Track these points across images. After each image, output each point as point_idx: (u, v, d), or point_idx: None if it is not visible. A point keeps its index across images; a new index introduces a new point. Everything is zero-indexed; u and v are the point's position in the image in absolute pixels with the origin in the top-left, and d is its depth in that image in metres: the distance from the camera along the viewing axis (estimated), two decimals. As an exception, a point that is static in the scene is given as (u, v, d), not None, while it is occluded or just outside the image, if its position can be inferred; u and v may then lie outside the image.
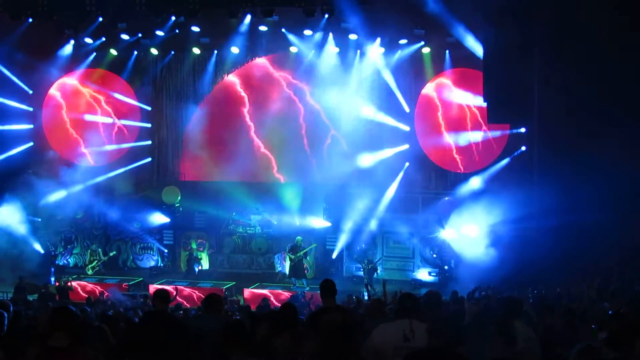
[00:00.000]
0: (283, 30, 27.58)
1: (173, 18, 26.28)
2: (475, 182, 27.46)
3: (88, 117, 31.02)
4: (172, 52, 30.24)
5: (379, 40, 27.57)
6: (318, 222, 27.71)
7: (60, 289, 23.17)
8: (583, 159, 21.12)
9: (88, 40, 28.46)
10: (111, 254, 29.08)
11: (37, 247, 28.27)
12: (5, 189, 27.63)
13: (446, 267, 26.30)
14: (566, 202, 21.12)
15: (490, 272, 23.59)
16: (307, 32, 27.34)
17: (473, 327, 9.67)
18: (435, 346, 7.36)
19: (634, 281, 19.39)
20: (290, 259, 26.17)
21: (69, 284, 24.28)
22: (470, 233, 25.11)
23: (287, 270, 27.19)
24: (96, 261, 28.46)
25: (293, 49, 28.87)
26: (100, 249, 29.07)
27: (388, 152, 28.58)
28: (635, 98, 20.87)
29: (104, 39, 28.46)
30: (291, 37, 27.96)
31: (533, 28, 22.36)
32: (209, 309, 10.26)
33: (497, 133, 27.57)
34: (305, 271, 26.30)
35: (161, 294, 10.58)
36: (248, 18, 25.88)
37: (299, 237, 26.56)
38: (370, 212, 27.78)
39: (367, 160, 28.52)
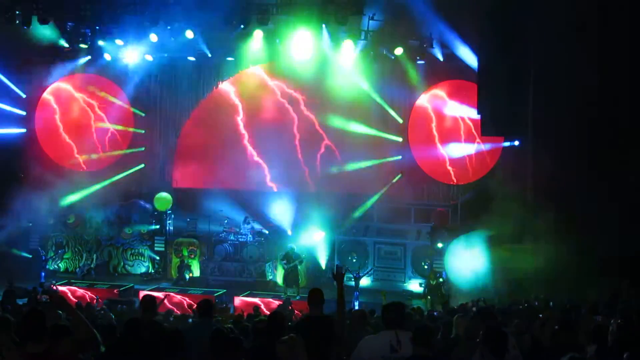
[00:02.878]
0: (278, 39, 27.56)
1: (168, 25, 26.29)
2: (467, 194, 27.46)
3: (81, 123, 30.97)
4: (167, 59, 30.15)
5: (373, 50, 27.64)
6: (310, 231, 27.65)
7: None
8: (578, 172, 21.15)
9: (82, 45, 28.38)
10: (93, 264, 28.96)
11: (28, 251, 28.35)
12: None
13: (441, 280, 26.22)
14: (561, 214, 21.12)
15: (483, 284, 23.59)
16: (303, 41, 27.35)
17: (461, 339, 9.68)
18: (419, 355, 7.36)
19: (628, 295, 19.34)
20: (284, 267, 26.13)
21: (52, 287, 24.16)
22: (462, 244, 25.05)
23: (278, 279, 27.19)
24: (88, 265, 28.39)
25: (288, 58, 28.83)
26: (94, 255, 28.95)
27: (381, 163, 28.57)
28: (631, 108, 20.93)
29: (98, 44, 28.34)
30: (286, 46, 27.92)
31: (528, 40, 22.40)
32: (203, 314, 10.31)
33: (490, 145, 27.51)
34: (299, 280, 26.23)
35: (144, 302, 10.57)
36: (243, 26, 25.77)
37: (292, 246, 26.54)
38: (362, 222, 27.84)
39: (360, 170, 28.52)
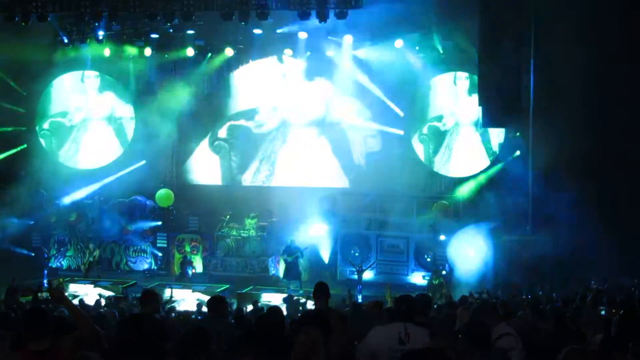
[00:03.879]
0: (278, 31, 27.55)
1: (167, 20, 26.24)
2: (470, 186, 27.45)
3: (82, 119, 30.94)
4: (167, 54, 30.15)
5: (374, 43, 27.66)
6: (313, 225, 27.62)
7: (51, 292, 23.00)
8: (579, 162, 21.16)
9: (82, 41, 28.37)
10: (92, 258, 28.85)
11: (30, 249, 28.43)
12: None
13: (444, 272, 26.22)
14: (562, 205, 21.13)
15: (486, 277, 23.62)
16: (302, 35, 27.34)
17: (463, 332, 9.66)
18: (435, 347, 7.33)
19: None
20: (285, 261, 26.08)
21: (61, 285, 24.17)
22: (466, 237, 25.05)
23: (281, 273, 27.15)
24: (90, 261, 28.32)
25: (288, 52, 28.86)
26: (97, 250, 28.91)
27: (382, 156, 28.55)
28: (632, 100, 20.93)
29: (98, 40, 28.28)
30: (286, 40, 27.92)
31: (529, 31, 22.41)
32: (214, 311, 10.31)
33: (492, 137, 27.49)
34: (300, 274, 26.15)
35: (142, 297, 10.57)
36: (244, 23, 25.71)
37: (293, 238, 26.49)
38: (364, 215, 27.81)
39: (361, 163, 28.48)
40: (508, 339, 8.46)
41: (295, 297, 22.02)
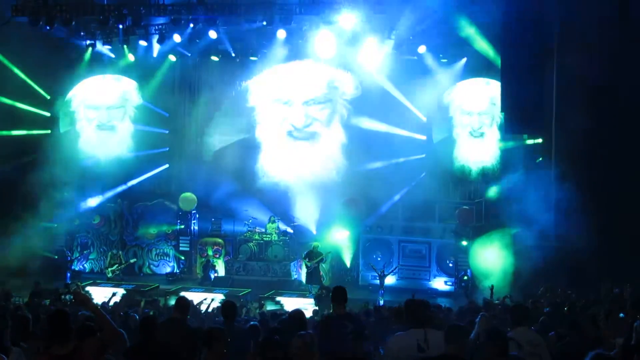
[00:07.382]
0: (301, 38, 27.54)
1: (192, 25, 26.26)
2: (492, 192, 27.38)
3: (105, 123, 31.04)
4: (190, 59, 30.23)
5: (397, 49, 27.59)
6: (334, 230, 27.61)
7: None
8: (600, 169, 21.04)
9: (106, 45, 28.47)
10: (131, 261, 28.81)
11: (53, 252, 28.54)
12: (23, 194, 27.58)
13: (465, 277, 26.17)
14: (584, 211, 21.04)
15: (508, 282, 23.53)
16: (327, 40, 27.30)
17: (483, 338, 9.62)
18: (450, 354, 7.27)
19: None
20: (307, 266, 26.07)
21: (78, 288, 24.20)
22: (487, 242, 25.00)
23: (303, 278, 27.14)
24: (117, 265, 28.22)
25: (311, 57, 28.83)
26: (122, 253, 28.95)
27: (405, 161, 28.46)
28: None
29: (122, 44, 28.33)
30: (309, 45, 27.89)
31: (551, 38, 22.33)
32: (228, 316, 10.27)
33: (514, 143, 27.38)
34: (322, 278, 26.15)
35: (180, 303, 10.58)
36: (266, 22, 25.70)
37: (315, 243, 26.47)
38: (386, 220, 27.78)
39: (383, 168, 28.41)
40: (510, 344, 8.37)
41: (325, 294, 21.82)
